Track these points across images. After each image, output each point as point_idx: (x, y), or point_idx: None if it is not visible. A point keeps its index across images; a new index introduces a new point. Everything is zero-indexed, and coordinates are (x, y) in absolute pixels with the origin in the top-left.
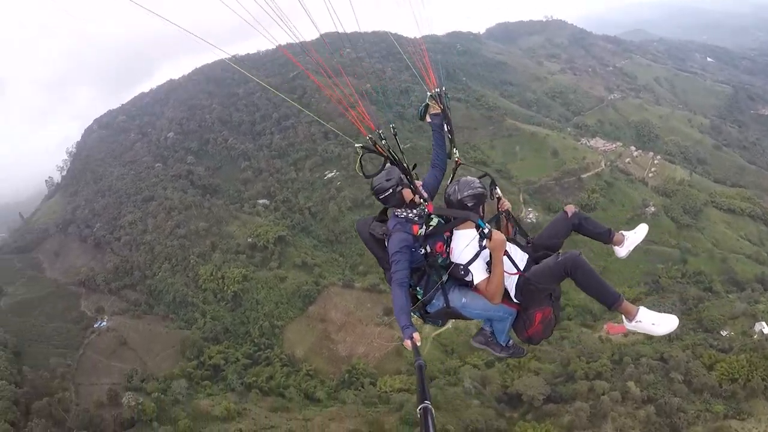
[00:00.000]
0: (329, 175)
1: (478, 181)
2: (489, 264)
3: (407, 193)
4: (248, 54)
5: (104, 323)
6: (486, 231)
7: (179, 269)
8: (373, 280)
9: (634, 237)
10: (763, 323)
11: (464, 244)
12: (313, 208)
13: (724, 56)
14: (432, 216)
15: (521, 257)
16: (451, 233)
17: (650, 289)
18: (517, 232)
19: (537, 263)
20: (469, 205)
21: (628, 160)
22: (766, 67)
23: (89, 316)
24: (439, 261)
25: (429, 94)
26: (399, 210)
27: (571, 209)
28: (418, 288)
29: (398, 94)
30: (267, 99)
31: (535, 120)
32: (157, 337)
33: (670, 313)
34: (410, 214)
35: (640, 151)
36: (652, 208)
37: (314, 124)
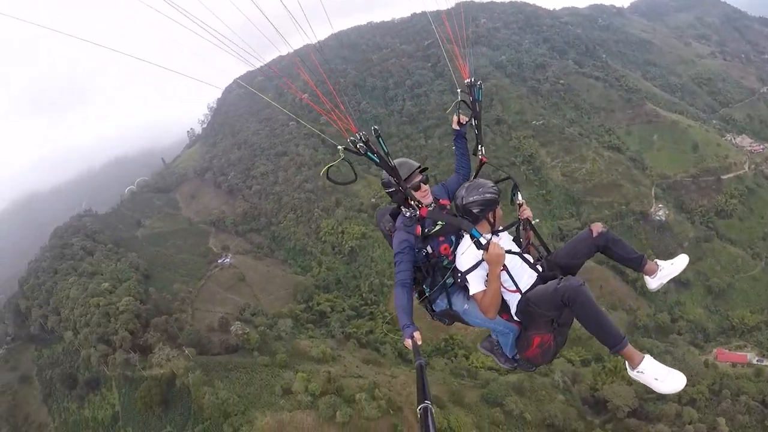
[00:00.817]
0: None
1: (491, 185)
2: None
3: (412, 193)
4: (383, 21)
5: (227, 260)
6: (482, 242)
7: (303, 220)
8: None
9: (669, 269)
10: None
11: (464, 250)
12: (439, 177)
13: None
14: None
15: (529, 275)
16: (459, 236)
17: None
18: (526, 245)
19: (546, 281)
20: (474, 211)
21: None
22: None
23: (215, 252)
24: (444, 263)
25: (466, 82)
26: (406, 209)
27: (597, 228)
28: (424, 285)
29: (534, 68)
30: (401, 66)
31: (678, 108)
32: (273, 279)
33: None
34: (415, 211)
35: None
36: None
37: (446, 93)
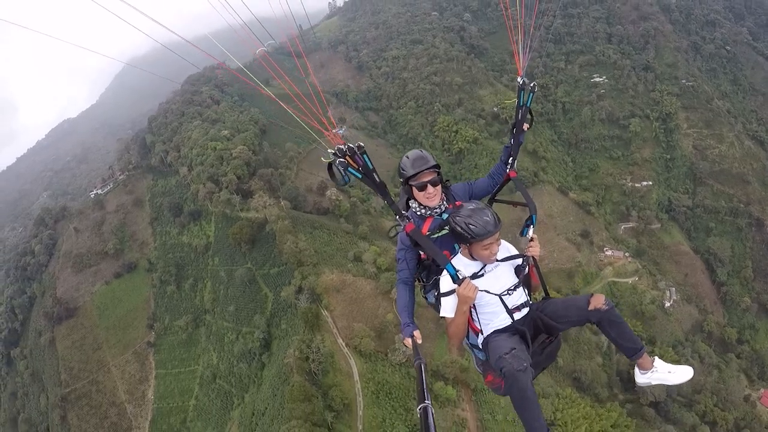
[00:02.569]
0: (597, 79)
1: (492, 221)
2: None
3: (414, 193)
4: None
5: (341, 131)
6: (459, 277)
7: (422, 111)
8: (587, 198)
9: (665, 375)
10: None
11: (444, 274)
12: (567, 104)
13: None
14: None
15: (503, 319)
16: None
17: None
18: (522, 281)
19: (516, 332)
20: (465, 236)
21: None
22: None
23: (331, 121)
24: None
25: (520, 80)
26: (417, 206)
27: (597, 301)
28: (420, 277)
29: (703, 23)
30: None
31: None
32: (379, 158)
33: None
34: (425, 211)
35: None
36: None
37: (600, 21)
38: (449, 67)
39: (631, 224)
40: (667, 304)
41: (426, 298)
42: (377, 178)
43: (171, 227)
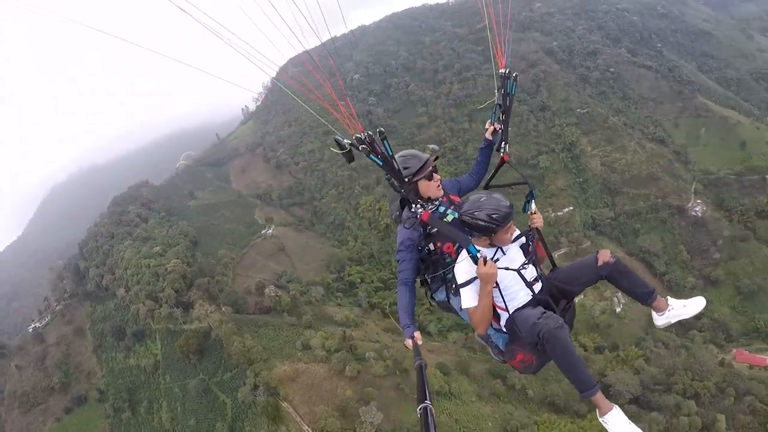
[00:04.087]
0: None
1: (506, 204)
2: None
3: (423, 186)
4: (438, 3)
5: (270, 231)
6: (475, 256)
7: (344, 196)
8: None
9: (681, 310)
10: None
11: (460, 260)
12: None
13: None
14: (447, 213)
15: (525, 294)
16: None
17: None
18: (533, 257)
19: (539, 303)
20: (482, 225)
21: None
22: None
23: (259, 223)
24: (447, 260)
25: (501, 72)
26: (413, 203)
27: (604, 257)
28: (426, 276)
29: (585, 55)
30: (452, 49)
31: (732, 103)
32: (310, 250)
33: None
34: (426, 206)
35: None
36: None
37: (492, 78)
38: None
39: (563, 250)
40: (618, 310)
41: (433, 299)
42: (396, 165)
43: (116, 352)
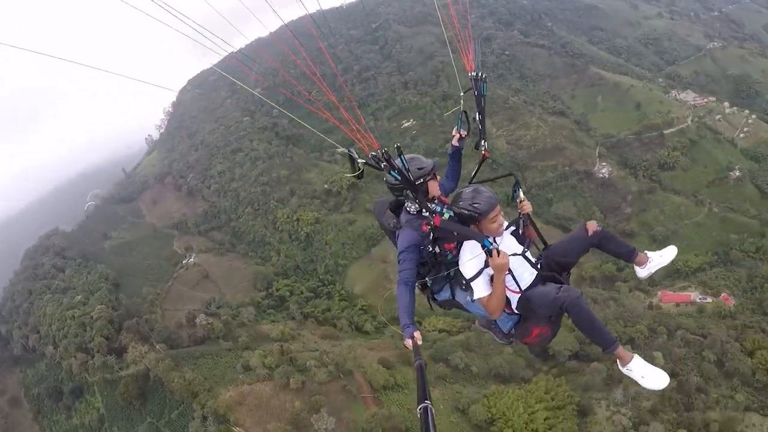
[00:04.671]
0: (406, 124)
1: (487, 198)
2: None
3: (432, 186)
4: (332, 7)
5: (191, 260)
6: (490, 249)
7: (260, 213)
8: None
9: (658, 260)
10: None
11: (469, 257)
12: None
13: None
14: (444, 212)
15: (530, 274)
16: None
17: (717, 260)
18: (528, 242)
19: (544, 280)
20: (476, 216)
21: (718, 117)
22: None
23: (179, 254)
24: (449, 257)
25: (470, 75)
26: (411, 205)
27: (592, 227)
28: (427, 278)
29: (480, 41)
30: (349, 51)
31: (624, 69)
32: (235, 272)
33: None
34: (423, 211)
35: (734, 108)
36: (737, 173)
37: (394, 75)
38: (273, 164)
39: None
40: None
41: (436, 300)
42: (411, 177)
43: (58, 414)
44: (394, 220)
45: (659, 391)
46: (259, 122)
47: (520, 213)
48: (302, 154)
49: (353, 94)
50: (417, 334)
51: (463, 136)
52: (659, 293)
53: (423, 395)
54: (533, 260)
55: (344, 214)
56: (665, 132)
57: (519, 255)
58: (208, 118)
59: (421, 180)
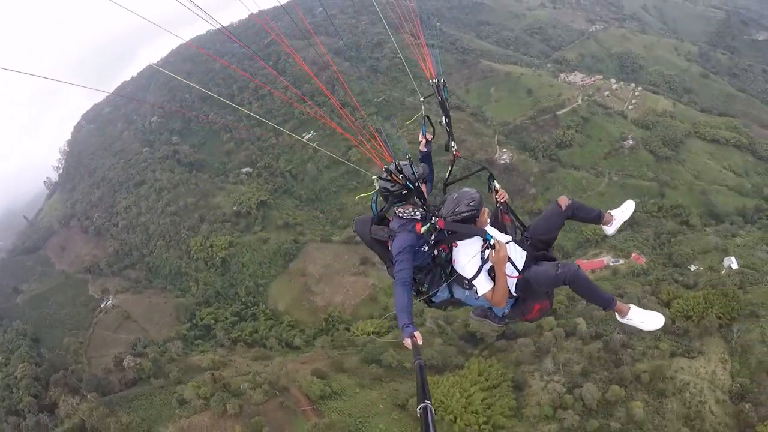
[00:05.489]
0: (307, 137)
1: (471, 195)
2: (492, 271)
3: (424, 189)
4: (222, 27)
5: (109, 302)
6: (492, 243)
7: (173, 244)
8: (350, 233)
9: (621, 215)
10: (733, 258)
11: (467, 258)
12: (293, 170)
13: None
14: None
15: (521, 255)
16: (454, 244)
17: (624, 225)
18: (514, 228)
19: (536, 260)
20: (467, 217)
21: (607, 93)
22: None
23: (96, 298)
24: (443, 256)
25: (432, 82)
26: (402, 210)
27: (564, 201)
28: (424, 283)
29: (372, 47)
30: (244, 69)
31: (513, 59)
32: (156, 308)
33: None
34: (415, 214)
35: (621, 83)
36: (631, 142)
37: (288, 89)
38: (179, 192)
39: None
40: None
41: (432, 302)
42: (419, 185)
43: None
44: (385, 230)
45: (659, 329)
46: (159, 151)
47: (497, 202)
48: (207, 178)
49: (252, 111)
50: (417, 334)
51: (429, 139)
52: (575, 263)
53: (423, 395)
54: (521, 244)
55: (257, 234)
56: (558, 113)
57: (512, 241)
58: (107, 153)
59: (417, 184)
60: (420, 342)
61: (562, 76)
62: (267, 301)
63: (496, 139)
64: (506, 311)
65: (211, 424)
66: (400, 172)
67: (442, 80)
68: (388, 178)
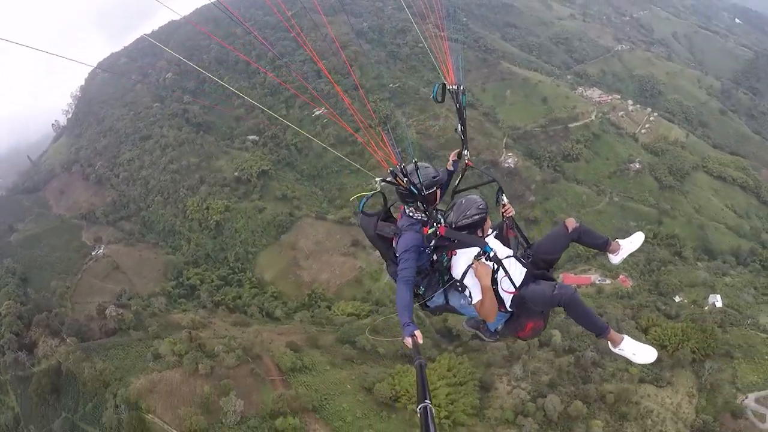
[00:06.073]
0: (317, 113)
1: (476, 205)
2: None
3: (438, 194)
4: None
5: (101, 251)
6: (492, 255)
7: (170, 201)
8: (346, 213)
9: (629, 246)
10: (718, 296)
11: (464, 265)
12: (299, 144)
13: (755, 19)
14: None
15: (520, 272)
16: (453, 252)
17: (630, 256)
18: (517, 244)
19: (534, 278)
20: (464, 231)
21: (622, 113)
22: None
23: (88, 245)
24: (444, 262)
25: (448, 88)
26: (413, 210)
27: (571, 224)
28: (420, 287)
29: (394, 33)
30: (264, 38)
31: (534, 66)
32: (146, 262)
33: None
34: (423, 217)
35: (637, 106)
36: (637, 165)
37: (307, 62)
38: (183, 151)
39: None
40: None
41: (427, 307)
42: (424, 190)
43: None
44: (393, 227)
45: (649, 364)
46: (170, 108)
47: (503, 216)
48: (213, 141)
49: (266, 82)
50: (417, 333)
51: (455, 158)
52: (561, 276)
53: (423, 395)
54: (522, 260)
55: (254, 202)
56: (570, 126)
57: (512, 257)
58: (117, 104)
59: (434, 188)
60: (420, 341)
61: (580, 89)
62: (254, 270)
63: (504, 141)
64: (499, 327)
65: (182, 380)
66: (405, 175)
67: (462, 86)
68: (393, 180)
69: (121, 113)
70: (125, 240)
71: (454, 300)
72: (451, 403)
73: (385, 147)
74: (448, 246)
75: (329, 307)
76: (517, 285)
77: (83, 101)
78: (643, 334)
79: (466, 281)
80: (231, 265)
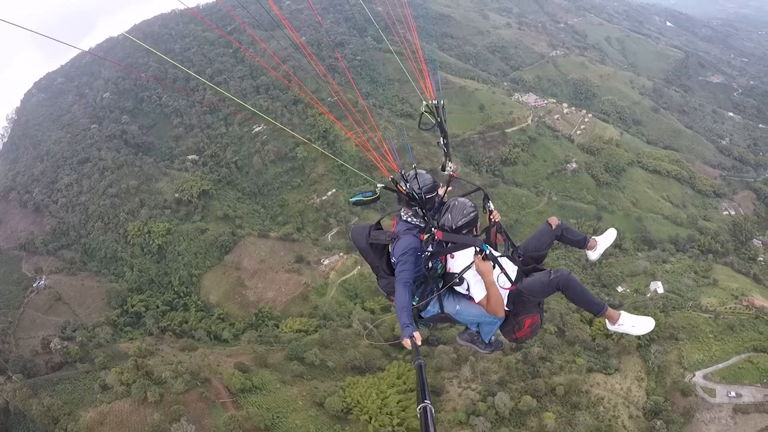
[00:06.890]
0: (256, 129)
1: (469, 204)
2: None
3: (435, 199)
4: (187, 8)
5: (42, 282)
6: (488, 253)
7: (111, 227)
8: (288, 230)
9: (604, 242)
10: (659, 283)
11: (463, 265)
12: (239, 162)
13: (685, 22)
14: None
15: (512, 269)
16: (451, 255)
17: (558, 244)
18: (505, 243)
19: (527, 274)
20: (463, 231)
21: (557, 116)
22: (725, 36)
23: (29, 277)
24: (439, 270)
25: (425, 104)
26: (410, 216)
27: (554, 221)
28: (415, 296)
29: (333, 46)
30: (202, 54)
31: (471, 74)
32: (89, 291)
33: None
34: (420, 223)
35: (572, 108)
36: (574, 165)
37: (246, 79)
38: (122, 174)
39: (335, 230)
40: None
41: (421, 318)
42: (423, 196)
43: None
44: (389, 233)
45: (650, 332)
46: (108, 129)
47: (491, 221)
48: (152, 162)
49: (205, 99)
50: (417, 334)
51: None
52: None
53: (422, 395)
54: (513, 259)
55: (195, 223)
56: (507, 131)
57: (504, 256)
58: (54, 126)
59: (433, 194)
60: (419, 342)
61: (516, 95)
62: (199, 292)
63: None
64: (493, 338)
65: (131, 410)
66: (407, 182)
67: (443, 102)
68: (393, 187)
69: (58, 136)
70: (67, 269)
71: (450, 307)
72: (403, 410)
73: (387, 155)
74: (443, 251)
75: (277, 325)
76: (513, 280)
77: (19, 124)
78: (587, 326)
79: (467, 277)
80: (176, 289)
